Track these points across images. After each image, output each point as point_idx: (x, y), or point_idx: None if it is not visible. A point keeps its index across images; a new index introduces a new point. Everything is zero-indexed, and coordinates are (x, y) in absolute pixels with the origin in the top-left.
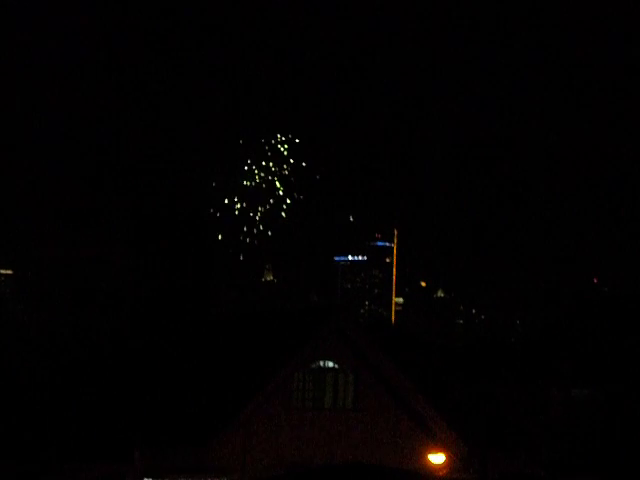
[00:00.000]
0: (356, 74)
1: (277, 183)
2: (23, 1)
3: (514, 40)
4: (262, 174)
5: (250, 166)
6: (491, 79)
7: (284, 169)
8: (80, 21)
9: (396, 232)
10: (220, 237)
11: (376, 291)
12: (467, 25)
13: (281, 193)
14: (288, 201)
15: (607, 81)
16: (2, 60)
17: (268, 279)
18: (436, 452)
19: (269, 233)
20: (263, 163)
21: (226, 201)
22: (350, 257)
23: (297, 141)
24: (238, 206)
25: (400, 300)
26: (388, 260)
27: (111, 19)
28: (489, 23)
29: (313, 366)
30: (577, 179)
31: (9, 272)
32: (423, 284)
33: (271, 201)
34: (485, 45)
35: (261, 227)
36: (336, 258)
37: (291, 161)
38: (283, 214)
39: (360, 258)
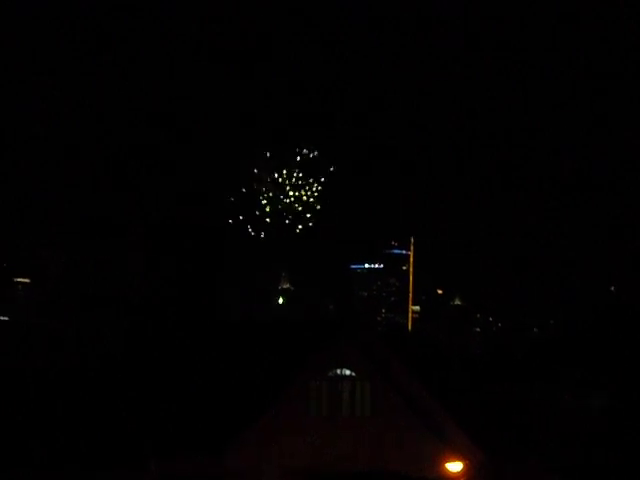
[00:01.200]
0: (374, 79)
1: (293, 192)
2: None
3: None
4: (279, 181)
5: (266, 173)
6: (515, 86)
7: (300, 177)
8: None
9: (412, 240)
10: (236, 245)
11: (392, 299)
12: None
13: (297, 200)
14: (305, 209)
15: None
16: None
17: (285, 287)
18: (453, 460)
19: (286, 241)
20: (276, 175)
21: (242, 209)
22: (367, 265)
23: (314, 148)
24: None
25: (417, 308)
26: (405, 268)
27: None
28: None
29: (330, 374)
30: (592, 186)
31: (26, 280)
32: (440, 292)
33: (288, 210)
34: (510, 52)
35: (277, 235)
36: (352, 266)
37: (302, 174)
38: (299, 224)
39: (376, 266)
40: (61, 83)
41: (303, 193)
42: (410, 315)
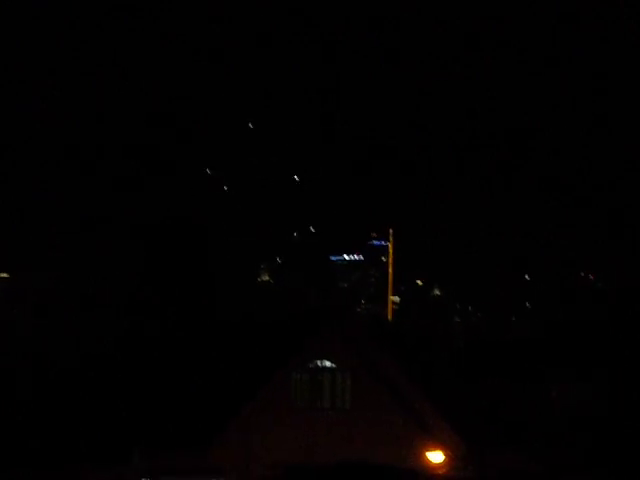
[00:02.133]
0: (352, 67)
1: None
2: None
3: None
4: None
5: (245, 165)
6: (489, 75)
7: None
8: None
9: (391, 231)
10: (215, 239)
11: (372, 290)
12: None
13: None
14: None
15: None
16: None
17: (264, 279)
18: (434, 450)
19: (264, 233)
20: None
21: (221, 202)
22: (346, 256)
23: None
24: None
25: (396, 299)
26: (384, 259)
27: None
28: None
29: (311, 366)
30: (568, 175)
31: (5, 275)
32: (419, 282)
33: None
34: (488, 44)
35: (256, 227)
36: (332, 257)
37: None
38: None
39: (356, 257)
40: (61, 83)
41: None
42: (390, 306)
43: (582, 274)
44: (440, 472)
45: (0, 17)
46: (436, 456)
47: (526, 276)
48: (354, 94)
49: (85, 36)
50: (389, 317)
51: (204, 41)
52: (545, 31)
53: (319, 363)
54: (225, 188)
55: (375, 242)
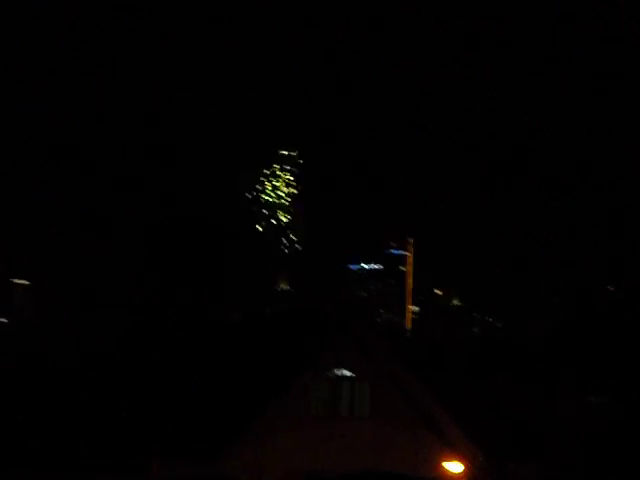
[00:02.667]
0: (368, 74)
1: (288, 190)
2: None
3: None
4: (275, 180)
5: (262, 171)
6: (512, 82)
7: (295, 177)
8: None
9: (411, 240)
10: (233, 245)
11: (391, 299)
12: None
13: (290, 201)
14: (302, 209)
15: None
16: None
17: (283, 288)
18: (453, 461)
19: (283, 241)
20: (277, 172)
21: (239, 207)
22: (365, 265)
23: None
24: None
25: (416, 308)
26: (403, 268)
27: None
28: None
29: (329, 374)
30: (588, 184)
31: (25, 282)
32: (439, 292)
33: (286, 211)
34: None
35: (274, 235)
36: (351, 266)
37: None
38: (297, 224)
39: (375, 266)
40: (61, 83)
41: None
42: (409, 315)
43: (603, 286)
44: None
45: (0, 17)
46: (455, 466)
47: (546, 285)
48: (364, 99)
49: (85, 36)
50: (408, 327)
51: (219, 41)
52: (545, 31)
53: (337, 372)
54: (246, 193)
55: (394, 251)
